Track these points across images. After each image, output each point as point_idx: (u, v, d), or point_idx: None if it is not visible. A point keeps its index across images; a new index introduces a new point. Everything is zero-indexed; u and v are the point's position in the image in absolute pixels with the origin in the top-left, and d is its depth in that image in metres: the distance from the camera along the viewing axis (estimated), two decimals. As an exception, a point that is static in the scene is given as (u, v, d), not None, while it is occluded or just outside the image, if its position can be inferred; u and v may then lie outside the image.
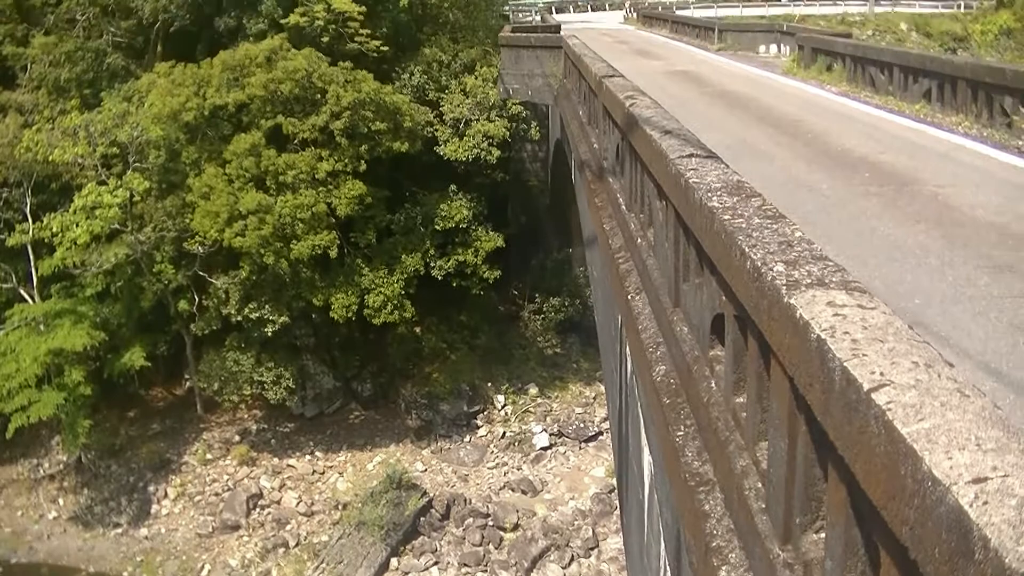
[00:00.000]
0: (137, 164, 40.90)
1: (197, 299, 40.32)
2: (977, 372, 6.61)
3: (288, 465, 40.54)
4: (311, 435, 41.99)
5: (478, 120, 42.91)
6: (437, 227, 41.73)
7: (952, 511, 2.67)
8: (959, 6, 78.11)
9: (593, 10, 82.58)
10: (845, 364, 3.49)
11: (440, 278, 42.04)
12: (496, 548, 36.22)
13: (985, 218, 10.82)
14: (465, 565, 35.68)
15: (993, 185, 12.73)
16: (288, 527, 37.57)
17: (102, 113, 42.91)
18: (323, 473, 40.41)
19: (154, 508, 38.90)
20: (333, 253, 37.99)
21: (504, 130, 42.95)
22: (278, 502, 38.77)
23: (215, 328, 40.17)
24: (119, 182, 39.97)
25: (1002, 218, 10.79)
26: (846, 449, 3.46)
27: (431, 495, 38.21)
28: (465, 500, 38.21)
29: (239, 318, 39.20)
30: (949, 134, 16.65)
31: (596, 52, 38.40)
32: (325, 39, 44.75)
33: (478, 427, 42.57)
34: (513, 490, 38.89)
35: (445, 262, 42.04)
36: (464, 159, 42.47)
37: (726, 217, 5.60)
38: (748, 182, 6.58)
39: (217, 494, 39.04)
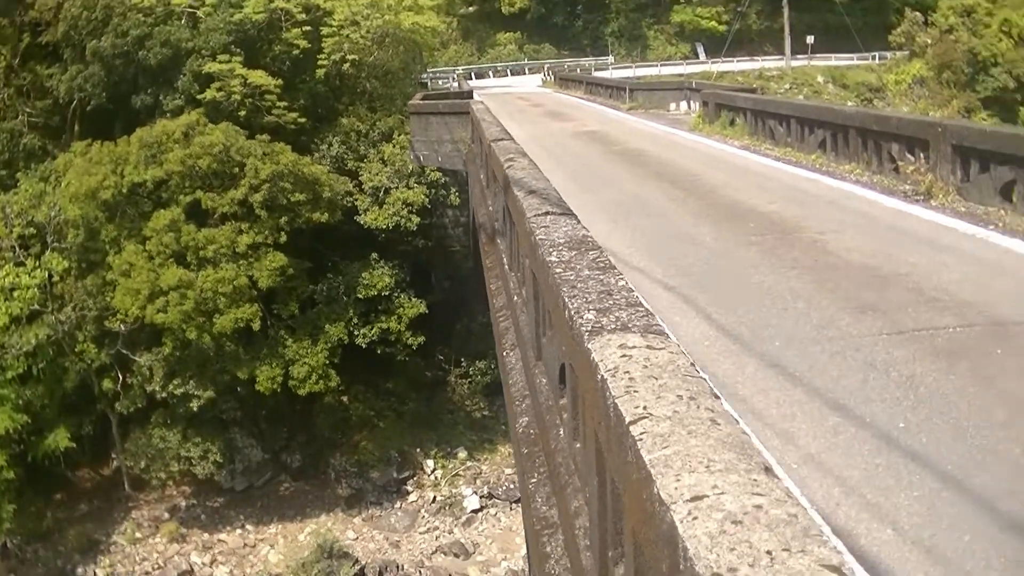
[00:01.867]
0: (56, 244, 40.63)
1: (121, 377, 39.84)
2: (824, 408, 6.81)
3: (219, 540, 39.99)
4: (241, 508, 41.41)
5: (397, 188, 43.17)
6: (359, 295, 41.71)
7: (669, 528, 2.84)
8: (874, 57, 79.73)
9: (513, 74, 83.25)
10: (616, 400, 3.66)
11: (364, 346, 41.88)
12: (431, 613, 35.99)
13: (858, 261, 11.12)
14: (400, 630, 35.43)
15: (873, 229, 13.09)
16: (221, 603, 37.11)
17: (19, 194, 42.67)
18: (254, 546, 39.90)
19: (84, 592, 38.24)
20: (256, 326, 37.74)
21: (423, 196, 43.18)
22: (210, 577, 38.28)
23: (140, 406, 39.76)
24: (37, 263, 39.72)
25: (874, 260, 11.10)
26: (619, 480, 3.61)
27: (363, 563, 37.76)
28: (397, 566, 37.91)
29: (164, 395, 38.86)
30: (840, 182, 17.07)
31: (509, 115, 39.20)
32: (242, 113, 44.93)
33: (408, 493, 42.26)
34: (445, 554, 38.63)
35: (369, 330, 41.92)
36: (385, 227, 42.61)
37: (558, 271, 5.79)
38: (592, 236, 6.80)
39: (147, 573, 38.40)
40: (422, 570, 37.61)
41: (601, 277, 5.54)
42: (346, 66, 49.75)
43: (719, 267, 11.21)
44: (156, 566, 38.68)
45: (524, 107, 43.64)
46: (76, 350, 39.41)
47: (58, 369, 39.78)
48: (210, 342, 37.54)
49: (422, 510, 41.18)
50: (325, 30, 49.51)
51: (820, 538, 2.69)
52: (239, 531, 40.52)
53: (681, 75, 69.75)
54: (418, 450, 44.20)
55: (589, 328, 4.62)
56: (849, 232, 12.83)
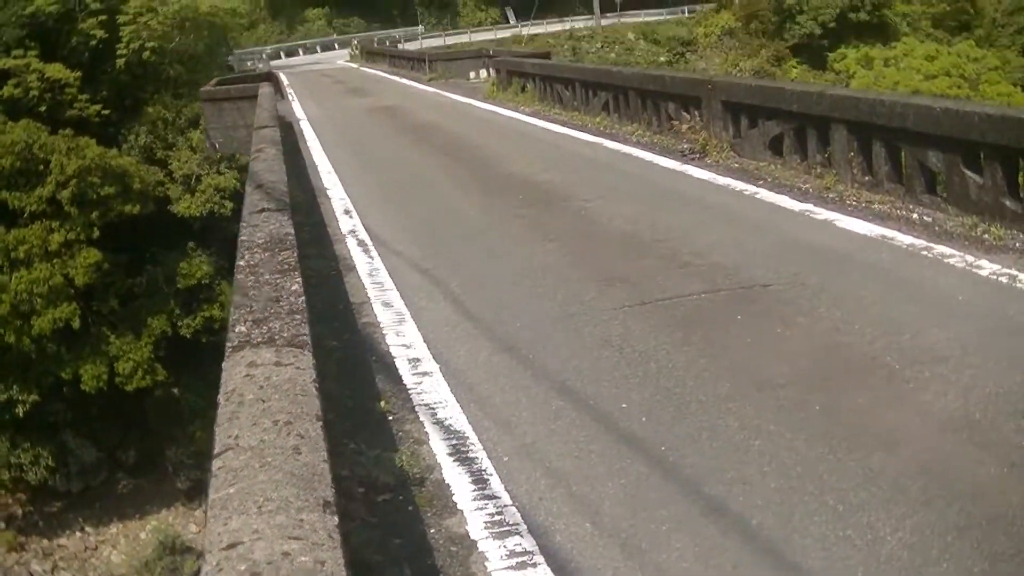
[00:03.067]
0: None
1: None
2: (550, 392, 6.57)
3: (59, 545, 38.75)
4: (79, 511, 40.08)
5: (208, 174, 42.15)
6: (179, 286, 40.72)
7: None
8: (683, 11, 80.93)
9: (323, 50, 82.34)
10: (216, 428, 3.36)
11: (189, 336, 40.87)
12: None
13: (620, 228, 10.97)
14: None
15: (643, 192, 12.99)
16: (64, 610, 35.99)
17: None
18: (96, 548, 38.78)
19: (-84, 610, 36.65)
20: (76, 324, 36.59)
21: (235, 181, 42.14)
22: (51, 585, 37.07)
23: (-36, 413, 38.21)
24: None
25: (636, 226, 10.95)
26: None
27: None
28: (241, 556, 37.20)
29: (-13, 402, 37.44)
30: (621, 145, 16.98)
31: (310, 94, 38.63)
32: (43, 108, 43.32)
33: (246, 477, 41.48)
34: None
35: (192, 320, 40.89)
36: (199, 215, 41.62)
37: (240, 276, 5.43)
38: (292, 235, 6.45)
39: (-12, 584, 37.02)
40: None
41: (278, 281, 5.21)
42: (146, 54, 48.25)
43: (478, 245, 10.91)
44: (-4, 578, 37.37)
45: (326, 84, 43.17)
46: None
47: None
48: (30, 344, 36.19)
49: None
50: (122, 18, 47.95)
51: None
52: (79, 534, 39.32)
53: (492, 40, 69.97)
54: (252, 433, 43.33)
55: (235, 343, 4.29)
56: (618, 197, 12.71)
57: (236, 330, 4.45)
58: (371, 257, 10.72)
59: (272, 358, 3.92)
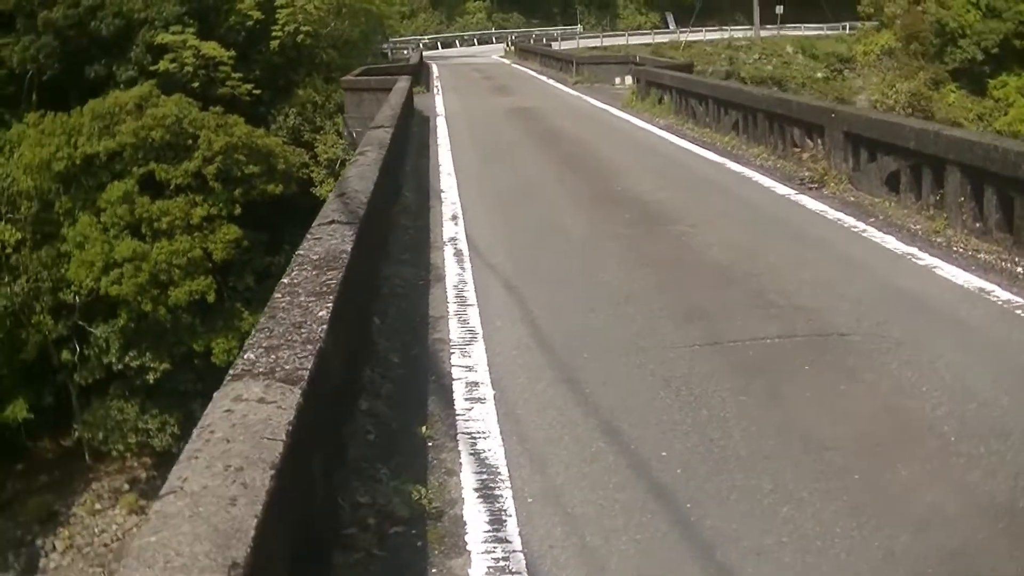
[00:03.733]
0: (9, 215, 40.21)
1: (78, 349, 39.51)
2: (595, 432, 6.47)
3: (176, 511, 39.70)
4: (199, 480, 41.07)
5: (352, 160, 42.69)
6: (315, 268, 41.36)
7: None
8: (844, 27, 79.18)
9: (480, 43, 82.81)
10: (173, 467, 3.34)
11: (320, 317, 41.54)
12: None
13: (715, 259, 10.78)
14: None
15: (751, 220, 12.74)
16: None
17: None
18: (210, 517, 39.63)
19: (42, 562, 37.67)
20: (211, 298, 37.43)
21: (375, 169, 42.74)
22: (167, 550, 37.95)
23: (98, 378, 39.32)
24: None
25: (733, 256, 10.76)
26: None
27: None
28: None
29: (120, 367, 38.44)
30: (743, 167, 16.71)
31: (455, 88, 38.89)
32: (196, 84, 44.39)
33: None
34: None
35: (325, 301, 41.60)
36: (340, 199, 42.21)
37: (276, 295, 5.46)
38: (347, 252, 6.44)
39: (106, 544, 37.94)
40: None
41: (310, 304, 5.20)
42: (301, 37, 49.14)
43: (572, 265, 10.86)
44: (115, 538, 38.23)
45: (474, 80, 43.37)
46: (33, 321, 38.89)
47: (16, 340, 39.18)
48: (165, 314, 37.20)
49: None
50: (279, 1, 48.90)
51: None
52: (197, 502, 40.16)
53: (649, 44, 69.45)
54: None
55: (236, 372, 4.30)
56: (724, 224, 12.51)
57: (244, 356, 4.44)
58: (463, 268, 10.74)
59: (259, 393, 3.91)
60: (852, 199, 13.69)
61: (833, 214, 12.86)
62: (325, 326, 4.86)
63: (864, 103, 62.28)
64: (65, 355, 39.49)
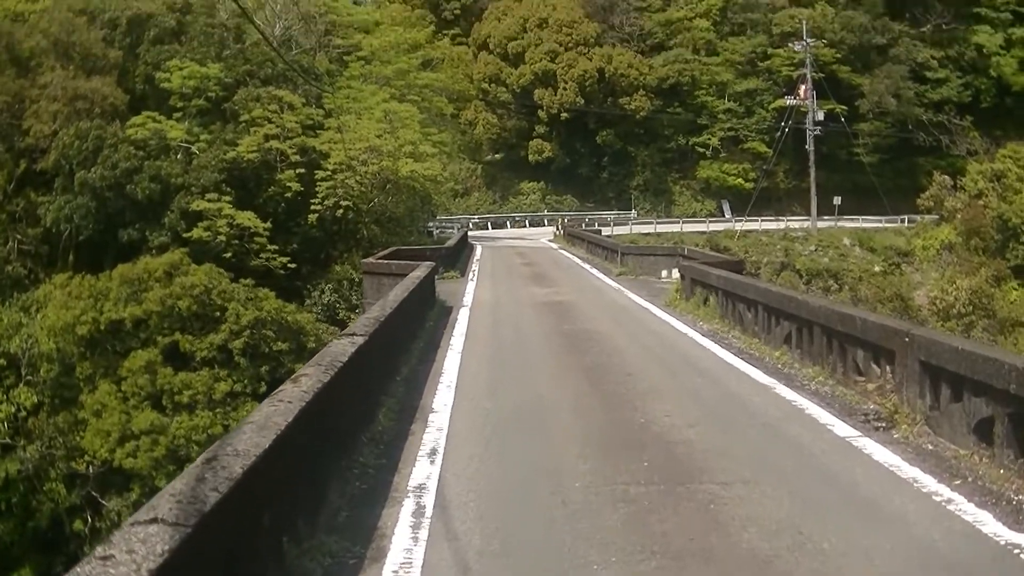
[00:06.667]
0: (29, 377, 39.32)
1: (90, 520, 37.95)
2: None
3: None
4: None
5: (384, 343, 40.89)
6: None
7: None
8: (903, 220, 77.63)
9: (531, 225, 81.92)
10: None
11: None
12: None
13: (752, 547, 7.96)
14: None
15: (800, 480, 9.91)
16: None
17: None
18: None
19: None
20: (230, 478, 35.39)
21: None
22: None
23: (111, 552, 37.18)
24: (5, 396, 38.47)
25: (773, 546, 7.96)
26: None
27: None
28: None
29: (133, 542, 36.34)
30: (795, 394, 14.01)
31: (492, 273, 37.00)
32: (228, 254, 43.30)
33: None
34: None
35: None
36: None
37: None
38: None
39: None
40: None
41: None
42: (341, 211, 47.95)
43: (558, 543, 8.08)
44: None
45: (515, 264, 41.66)
46: (45, 489, 37.47)
47: (28, 507, 37.89)
48: (181, 492, 35.21)
49: None
50: (319, 173, 47.94)
51: None
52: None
53: (704, 232, 68.03)
54: None
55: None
56: (767, 483, 9.70)
57: None
58: (416, 538, 8.14)
59: None
60: (930, 447, 10.97)
61: (907, 471, 10.10)
62: None
63: (923, 299, 60.20)
64: (77, 525, 38.32)
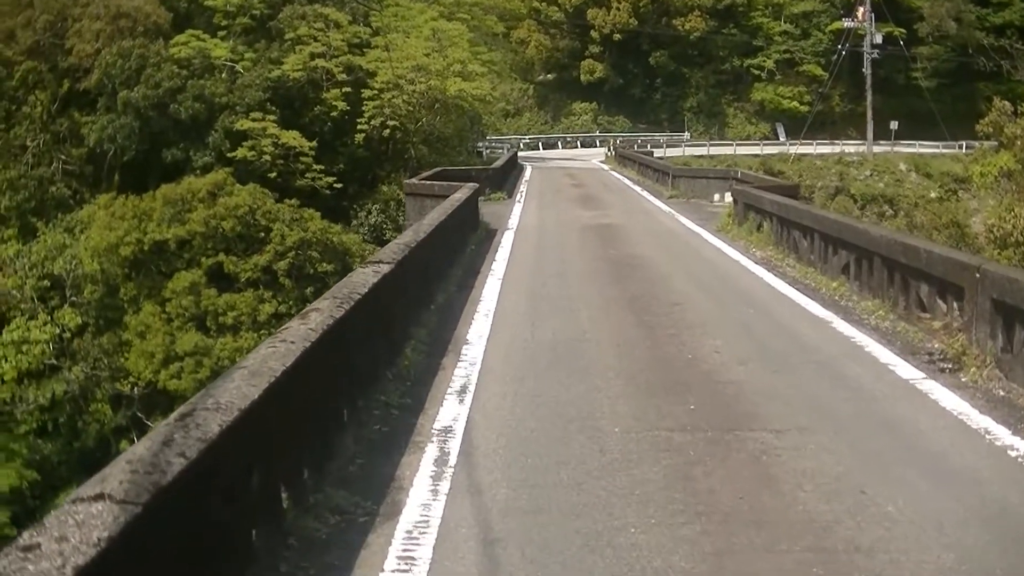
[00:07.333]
0: (73, 299, 39.06)
1: (136, 441, 37.73)
2: None
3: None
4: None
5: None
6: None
7: None
8: (961, 146, 75.46)
9: (583, 146, 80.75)
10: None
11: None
12: None
13: (806, 508, 7.10)
14: None
15: (860, 429, 8.99)
16: None
17: (38, 244, 41.33)
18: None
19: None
20: (274, 399, 35.18)
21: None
22: None
23: (157, 471, 37.31)
24: (50, 317, 38.26)
25: (832, 508, 7.09)
26: None
27: None
28: None
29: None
30: (854, 328, 13.09)
31: (540, 194, 36.09)
32: (273, 174, 42.62)
33: None
34: None
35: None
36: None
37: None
38: None
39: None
40: None
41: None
42: (388, 131, 47.01)
43: (592, 500, 7.26)
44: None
45: (563, 186, 40.68)
46: (91, 409, 37.44)
47: (75, 427, 38.38)
48: (222, 414, 35.12)
49: None
50: (366, 92, 46.94)
51: None
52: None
53: (758, 155, 66.56)
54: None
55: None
56: (824, 432, 8.81)
57: None
58: (436, 490, 7.39)
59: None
60: (1001, 393, 10.06)
61: (976, 420, 9.21)
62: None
63: (979, 227, 58.52)
64: (124, 445, 38.14)
